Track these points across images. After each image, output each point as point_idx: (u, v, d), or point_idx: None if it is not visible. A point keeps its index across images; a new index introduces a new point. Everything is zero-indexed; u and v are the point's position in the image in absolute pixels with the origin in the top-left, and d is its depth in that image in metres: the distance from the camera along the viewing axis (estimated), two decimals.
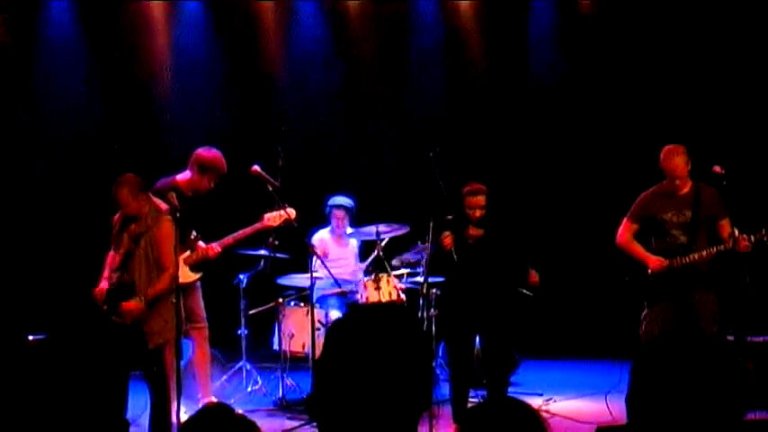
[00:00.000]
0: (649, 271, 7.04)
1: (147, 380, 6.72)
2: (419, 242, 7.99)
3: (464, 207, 7.21)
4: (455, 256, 7.10)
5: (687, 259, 6.93)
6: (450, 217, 7.23)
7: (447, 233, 7.09)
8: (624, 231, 7.23)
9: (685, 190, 7.03)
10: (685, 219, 6.98)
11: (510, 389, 7.92)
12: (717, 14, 9.99)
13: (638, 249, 7.15)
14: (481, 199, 7.19)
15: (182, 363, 6.77)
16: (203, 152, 7.58)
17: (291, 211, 7.62)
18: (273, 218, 7.61)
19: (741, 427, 2.34)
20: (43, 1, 9.96)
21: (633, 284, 7.11)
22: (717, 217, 6.99)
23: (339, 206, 8.78)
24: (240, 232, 7.62)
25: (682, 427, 2.27)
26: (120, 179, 6.75)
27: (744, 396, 2.31)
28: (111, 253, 6.90)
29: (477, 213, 7.19)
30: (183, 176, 7.57)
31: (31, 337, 7.22)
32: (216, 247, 7.57)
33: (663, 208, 7.05)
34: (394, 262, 8.41)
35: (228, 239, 7.62)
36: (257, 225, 7.63)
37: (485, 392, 7.39)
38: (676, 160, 6.97)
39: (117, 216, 6.93)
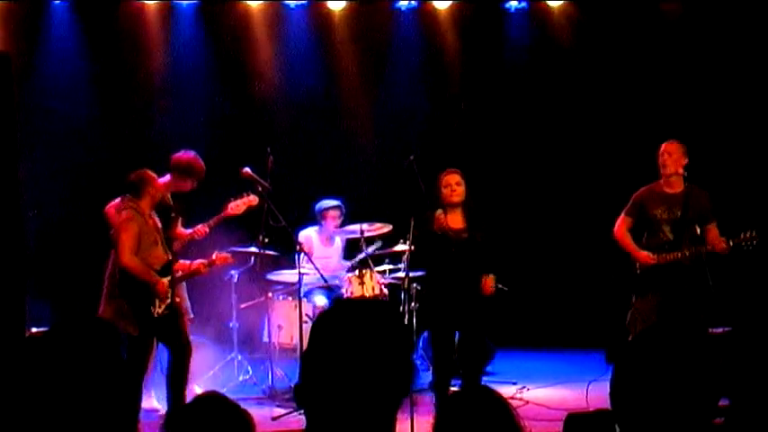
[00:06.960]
0: (637, 265, 7.07)
1: (173, 354, 6.85)
2: (401, 240, 7.94)
3: (441, 192, 6.92)
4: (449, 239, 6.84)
5: (671, 256, 6.94)
6: (431, 212, 6.97)
7: (440, 211, 6.86)
8: (620, 225, 7.23)
9: (678, 189, 7.02)
10: (675, 216, 6.97)
11: (486, 378, 7.93)
12: (704, 13, 9.84)
13: (630, 244, 7.14)
14: (456, 176, 6.93)
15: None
16: (183, 156, 7.45)
17: (254, 198, 7.54)
18: (237, 206, 7.53)
19: (714, 413, 2.32)
20: (43, 3, 9.60)
21: (622, 276, 7.12)
22: (706, 219, 7.01)
23: (336, 207, 8.58)
24: (207, 222, 7.53)
25: (663, 415, 2.27)
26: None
27: (719, 384, 2.31)
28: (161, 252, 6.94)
29: (456, 191, 6.90)
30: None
31: (34, 330, 7.17)
32: (184, 234, 7.51)
33: (655, 204, 7.05)
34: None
35: (196, 231, 7.55)
36: (222, 214, 7.53)
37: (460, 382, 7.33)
38: (672, 156, 6.97)
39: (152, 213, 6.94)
